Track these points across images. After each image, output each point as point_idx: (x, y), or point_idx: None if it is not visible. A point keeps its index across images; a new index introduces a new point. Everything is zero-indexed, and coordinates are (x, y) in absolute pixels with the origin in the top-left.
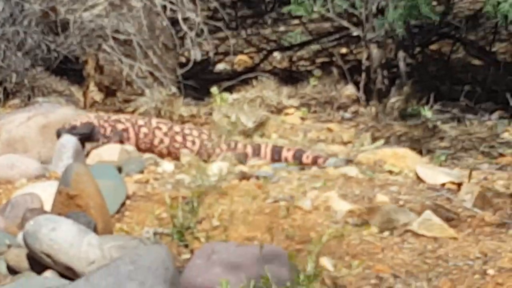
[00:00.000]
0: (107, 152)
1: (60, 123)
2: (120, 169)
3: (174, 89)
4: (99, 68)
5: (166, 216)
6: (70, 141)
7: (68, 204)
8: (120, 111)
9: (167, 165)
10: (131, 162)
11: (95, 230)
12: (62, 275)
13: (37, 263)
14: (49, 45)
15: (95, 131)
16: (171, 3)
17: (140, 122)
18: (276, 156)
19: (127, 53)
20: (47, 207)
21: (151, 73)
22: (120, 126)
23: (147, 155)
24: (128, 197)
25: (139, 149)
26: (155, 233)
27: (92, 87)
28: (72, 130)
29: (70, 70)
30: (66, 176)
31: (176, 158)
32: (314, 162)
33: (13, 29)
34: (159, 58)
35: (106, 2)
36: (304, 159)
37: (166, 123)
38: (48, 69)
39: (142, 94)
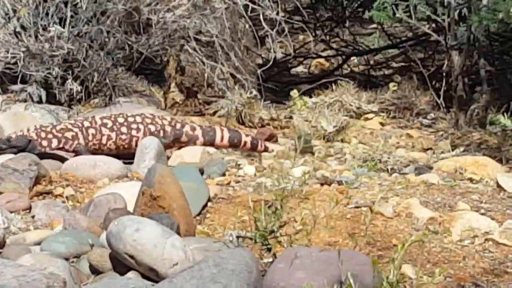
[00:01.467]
0: (189, 154)
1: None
2: (201, 171)
3: (254, 92)
4: (181, 69)
5: (248, 219)
6: (152, 142)
7: (151, 205)
8: (200, 112)
9: (249, 168)
10: (213, 164)
11: (178, 231)
12: (145, 276)
13: (120, 264)
14: (131, 45)
15: (32, 145)
16: (252, 2)
17: (86, 123)
18: (235, 140)
19: (209, 55)
20: (130, 207)
21: (232, 75)
22: (69, 134)
23: (228, 157)
24: (209, 199)
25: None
26: (237, 236)
27: (173, 88)
28: (6, 142)
29: (151, 70)
30: (149, 177)
31: (124, 150)
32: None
33: (96, 29)
34: (240, 60)
35: (189, 3)
36: (259, 147)
37: (110, 116)
38: (130, 69)
39: (223, 96)
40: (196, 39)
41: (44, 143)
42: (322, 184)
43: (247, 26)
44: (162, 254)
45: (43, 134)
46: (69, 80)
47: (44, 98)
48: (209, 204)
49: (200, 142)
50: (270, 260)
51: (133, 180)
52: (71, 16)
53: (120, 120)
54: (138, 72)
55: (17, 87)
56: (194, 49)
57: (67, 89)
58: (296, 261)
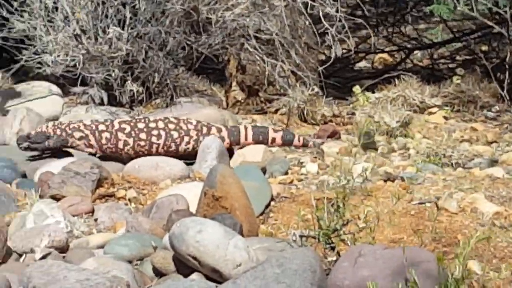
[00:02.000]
0: (251, 153)
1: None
2: (264, 170)
3: (316, 89)
4: (241, 68)
5: (311, 217)
6: (214, 142)
7: (213, 205)
8: (262, 111)
9: (311, 166)
10: (275, 162)
11: (240, 232)
12: (208, 278)
13: (184, 266)
14: (191, 44)
15: (57, 139)
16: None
17: (101, 127)
18: (260, 137)
19: (269, 52)
20: (192, 208)
21: (293, 73)
22: (77, 134)
23: (290, 156)
24: (272, 198)
25: (104, 154)
26: (301, 236)
27: (234, 86)
28: (23, 139)
29: (211, 69)
30: (211, 177)
31: (144, 155)
32: (304, 144)
33: (155, 29)
34: (301, 57)
35: (248, 1)
36: (296, 142)
37: (129, 121)
38: (190, 69)
39: (284, 93)
40: (256, 37)
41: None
42: (385, 181)
43: (307, 23)
44: (225, 255)
45: (58, 131)
46: (129, 82)
47: (105, 100)
48: (272, 203)
49: (226, 143)
50: (334, 258)
51: (195, 181)
52: (130, 18)
53: (140, 125)
54: (199, 71)
55: (79, 89)
56: (254, 48)
57: (127, 91)
58: (360, 259)
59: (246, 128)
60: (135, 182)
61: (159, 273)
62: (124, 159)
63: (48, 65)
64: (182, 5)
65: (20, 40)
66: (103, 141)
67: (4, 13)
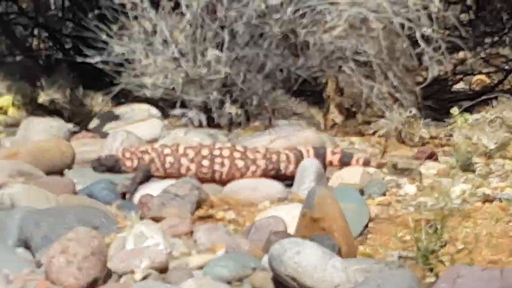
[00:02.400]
0: (349, 175)
1: (302, 146)
2: (362, 192)
3: (414, 110)
4: (339, 90)
5: (409, 238)
6: (312, 164)
7: (311, 227)
8: (360, 133)
9: (409, 187)
10: (373, 184)
11: (339, 253)
12: None
13: (282, 286)
14: (289, 67)
15: (117, 164)
16: (409, 20)
17: (166, 151)
18: (319, 159)
19: (367, 75)
20: (291, 229)
21: (391, 94)
22: (146, 157)
23: (388, 177)
24: (370, 220)
25: (167, 177)
26: (399, 257)
27: (332, 109)
28: (96, 163)
29: (309, 92)
30: (309, 199)
31: (210, 181)
32: (365, 163)
33: (254, 52)
34: (398, 79)
35: (345, 24)
36: (354, 162)
37: (195, 147)
38: (288, 91)
39: (382, 115)
40: (353, 60)
41: (128, 163)
42: (483, 202)
43: (404, 45)
44: (323, 276)
45: (127, 154)
46: (227, 104)
47: (204, 122)
48: (370, 224)
49: (291, 170)
50: (432, 280)
51: (294, 203)
52: (229, 41)
53: (204, 152)
54: (297, 94)
55: (178, 111)
56: (352, 70)
57: (226, 113)
58: (458, 280)
59: (307, 150)
60: (234, 204)
61: None
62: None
63: (148, 88)
64: (280, 28)
65: (120, 63)
66: (167, 165)
67: (104, 37)
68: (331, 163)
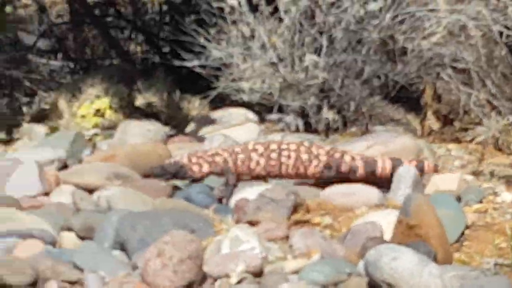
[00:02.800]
0: (445, 182)
1: (399, 152)
2: (458, 199)
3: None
4: (437, 97)
5: (506, 246)
6: (409, 171)
7: (408, 233)
8: (457, 140)
9: (506, 195)
10: (470, 191)
11: (435, 259)
12: None
13: None
14: (386, 73)
15: (182, 170)
16: (507, 28)
17: (237, 149)
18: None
19: (465, 82)
20: (387, 236)
21: (489, 102)
22: (219, 159)
23: (485, 185)
24: (467, 227)
25: (238, 175)
26: (495, 264)
27: (429, 115)
28: (158, 170)
29: (406, 98)
30: (406, 206)
31: (275, 176)
32: (436, 170)
33: (351, 58)
34: (496, 87)
35: (444, 30)
36: (426, 168)
37: (264, 143)
38: (385, 97)
39: (479, 123)
40: (451, 67)
41: (195, 168)
42: None
43: (502, 52)
44: (419, 282)
45: (194, 159)
46: (325, 109)
47: (301, 127)
48: (467, 231)
49: (360, 174)
50: None
51: (389, 209)
52: (326, 46)
53: (273, 146)
54: (394, 100)
55: (275, 116)
56: (450, 77)
57: (323, 118)
58: None
59: (384, 160)
60: (330, 209)
61: None
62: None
63: (245, 93)
64: (378, 34)
65: (217, 67)
66: (239, 163)
67: (202, 41)
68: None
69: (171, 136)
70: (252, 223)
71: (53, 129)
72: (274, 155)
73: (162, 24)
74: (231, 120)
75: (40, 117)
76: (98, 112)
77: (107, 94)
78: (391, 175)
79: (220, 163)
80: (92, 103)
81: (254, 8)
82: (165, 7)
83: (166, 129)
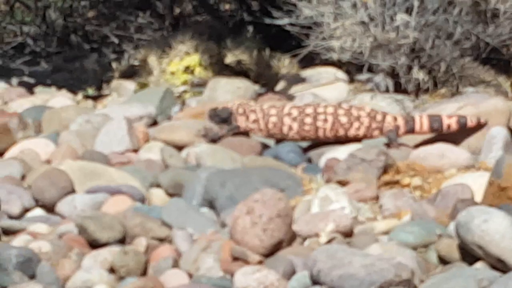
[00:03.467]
0: None
1: (490, 114)
2: None
3: None
4: None
5: None
6: (500, 132)
7: (499, 195)
8: None
9: None
10: None
11: None
12: (493, 267)
13: (468, 254)
14: (477, 34)
15: (231, 117)
16: None
17: (272, 111)
18: (435, 125)
19: None
20: (477, 198)
21: None
22: (252, 117)
23: None
24: None
25: (271, 137)
26: None
27: None
28: (212, 112)
29: (497, 60)
30: (497, 167)
31: (314, 139)
32: (478, 124)
33: (443, 18)
34: None
35: None
36: (469, 123)
37: (300, 107)
38: (476, 59)
39: None
40: None
41: (240, 118)
42: None
43: None
44: (510, 244)
45: (240, 110)
46: (415, 70)
47: (391, 88)
48: None
49: (402, 132)
50: None
51: (480, 171)
52: (418, 6)
53: (309, 110)
54: (485, 62)
55: (364, 76)
56: None
57: (413, 79)
58: None
59: (421, 116)
60: (420, 170)
61: (443, 261)
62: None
63: (335, 52)
64: None
65: (307, 26)
66: (270, 126)
67: (293, 0)
68: (449, 127)
69: (261, 94)
70: (342, 183)
71: (143, 86)
72: (308, 120)
73: None
74: (321, 79)
75: (129, 73)
76: (188, 69)
77: (197, 51)
78: (433, 130)
79: (250, 120)
80: (182, 60)
81: None
82: None
83: (256, 87)
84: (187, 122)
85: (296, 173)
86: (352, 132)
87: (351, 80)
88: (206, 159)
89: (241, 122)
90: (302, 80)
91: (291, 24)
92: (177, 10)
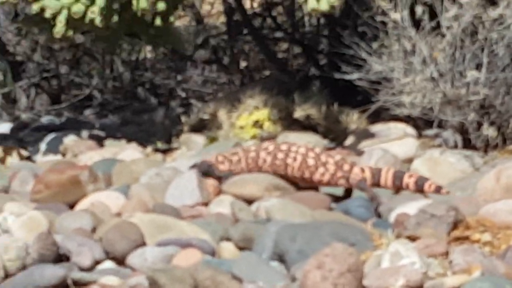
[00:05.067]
0: None
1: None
2: None
3: None
4: None
5: None
6: None
7: None
8: None
9: None
10: None
11: None
12: None
13: None
14: None
15: (211, 169)
16: None
17: (252, 148)
18: (397, 182)
19: None
20: None
21: None
22: (235, 158)
23: None
24: None
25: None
26: None
27: None
28: (193, 167)
29: None
30: None
31: (282, 177)
32: (437, 191)
33: None
34: None
35: None
36: (426, 188)
37: (275, 143)
38: None
39: None
40: None
41: (221, 167)
42: None
43: None
44: None
45: (220, 158)
46: (485, 126)
47: (459, 144)
48: None
49: (368, 184)
50: None
51: None
52: (488, 62)
53: (283, 147)
54: None
55: (432, 132)
56: None
57: (482, 135)
58: None
59: (387, 171)
60: (489, 226)
61: None
62: None
63: (405, 107)
64: None
65: (377, 81)
66: (249, 161)
67: (363, 54)
68: (407, 186)
69: (330, 149)
70: (412, 238)
71: (212, 139)
72: (280, 155)
73: (319, 37)
74: (390, 134)
75: (198, 127)
76: (257, 123)
77: (266, 106)
78: (395, 186)
79: (233, 162)
80: (251, 114)
81: (416, 23)
82: (323, 20)
83: (325, 142)
84: (257, 176)
85: (366, 228)
86: (317, 177)
87: (419, 135)
88: (276, 213)
89: (225, 168)
90: (371, 135)
91: (360, 79)
92: (243, 64)
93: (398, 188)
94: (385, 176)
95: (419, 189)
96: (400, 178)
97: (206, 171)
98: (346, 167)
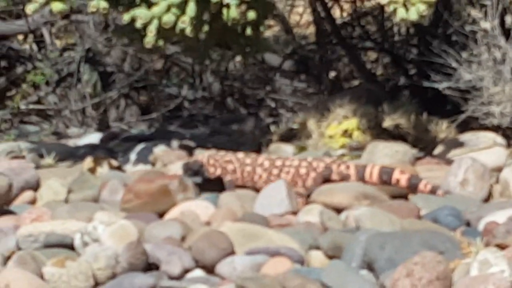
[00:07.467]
0: None
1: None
2: None
3: None
4: None
5: None
6: None
7: None
8: None
9: None
10: None
11: None
12: None
13: None
14: None
15: (201, 169)
16: None
17: (247, 161)
18: (384, 177)
19: None
20: None
21: None
22: (230, 167)
23: None
24: None
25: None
26: None
27: None
28: (185, 166)
29: None
30: None
31: None
32: (433, 191)
33: None
34: None
35: None
36: (421, 187)
37: (271, 158)
38: None
39: None
40: None
41: (211, 170)
42: None
43: None
44: None
45: (211, 161)
46: None
47: None
48: None
49: (352, 180)
50: None
51: None
52: None
53: (278, 163)
54: None
55: None
56: None
57: None
58: None
59: (373, 166)
60: None
61: None
62: None
63: (495, 117)
64: None
65: (466, 90)
66: (245, 174)
67: (453, 64)
68: (397, 182)
69: (419, 158)
70: (501, 246)
71: (301, 149)
72: (275, 171)
73: (408, 46)
74: (479, 144)
75: (287, 137)
76: (346, 133)
77: (355, 115)
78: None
79: (228, 170)
80: (340, 124)
81: (506, 32)
82: (412, 29)
83: (414, 151)
84: (347, 185)
85: (454, 236)
86: (309, 182)
87: (509, 145)
88: (365, 222)
89: (215, 173)
90: (460, 144)
91: (449, 88)
92: (332, 74)
93: (385, 183)
94: (369, 171)
95: (413, 187)
96: (388, 174)
97: (197, 170)
98: (334, 166)
